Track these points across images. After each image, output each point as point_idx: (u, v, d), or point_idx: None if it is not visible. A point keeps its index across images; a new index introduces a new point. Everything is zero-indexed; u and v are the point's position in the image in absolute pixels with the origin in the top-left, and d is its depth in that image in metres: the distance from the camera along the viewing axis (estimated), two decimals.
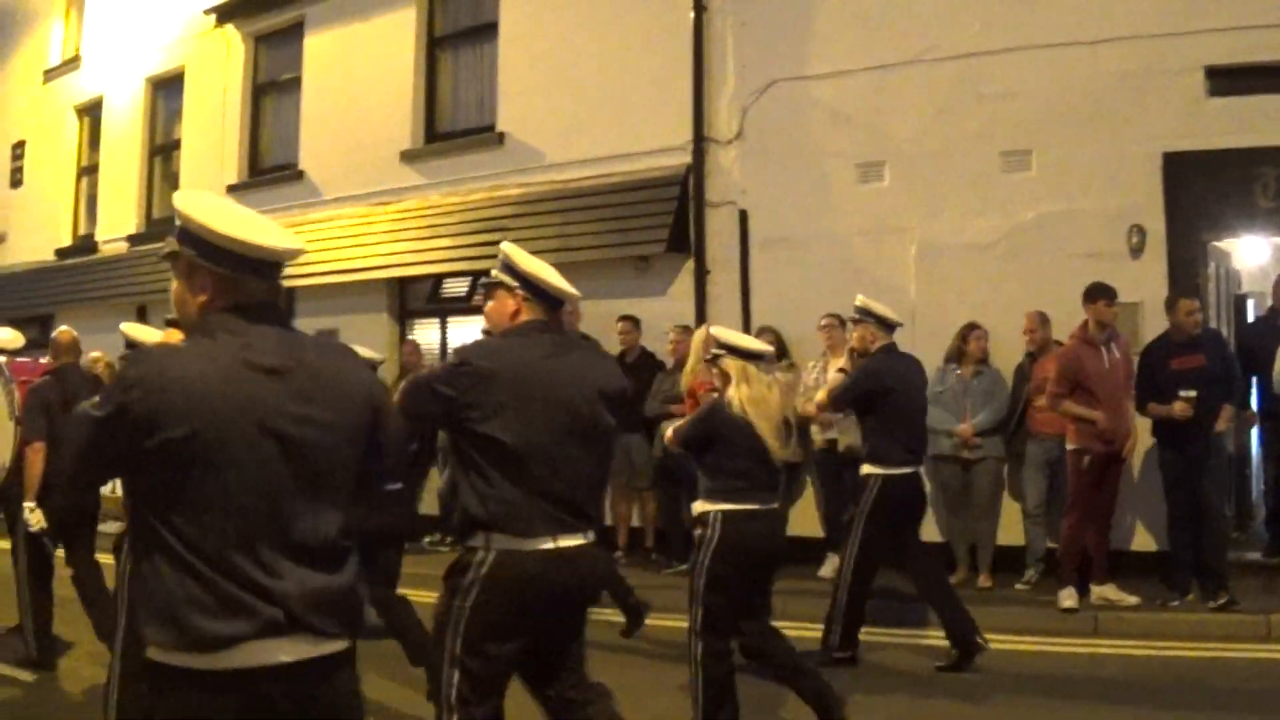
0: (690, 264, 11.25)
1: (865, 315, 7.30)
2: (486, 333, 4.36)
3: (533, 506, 3.89)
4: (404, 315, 14.01)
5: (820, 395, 7.70)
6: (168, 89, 18.00)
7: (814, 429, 9.71)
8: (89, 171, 19.82)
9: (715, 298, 11.00)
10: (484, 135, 13.11)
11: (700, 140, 11.22)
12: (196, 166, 16.89)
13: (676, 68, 11.42)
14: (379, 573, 6.37)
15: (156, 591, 2.51)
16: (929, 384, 9.05)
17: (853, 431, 9.35)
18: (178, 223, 2.66)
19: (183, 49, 17.36)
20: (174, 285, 2.73)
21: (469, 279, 13.27)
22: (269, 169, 16.02)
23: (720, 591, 5.53)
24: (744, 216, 10.94)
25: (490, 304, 4.20)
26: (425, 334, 13.73)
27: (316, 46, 15.18)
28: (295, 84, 15.51)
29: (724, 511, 5.56)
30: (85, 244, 19.39)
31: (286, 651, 2.52)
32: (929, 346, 9.49)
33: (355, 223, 14.03)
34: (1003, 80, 9.80)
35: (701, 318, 10.73)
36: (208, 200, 2.70)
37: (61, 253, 19.80)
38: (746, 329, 10.50)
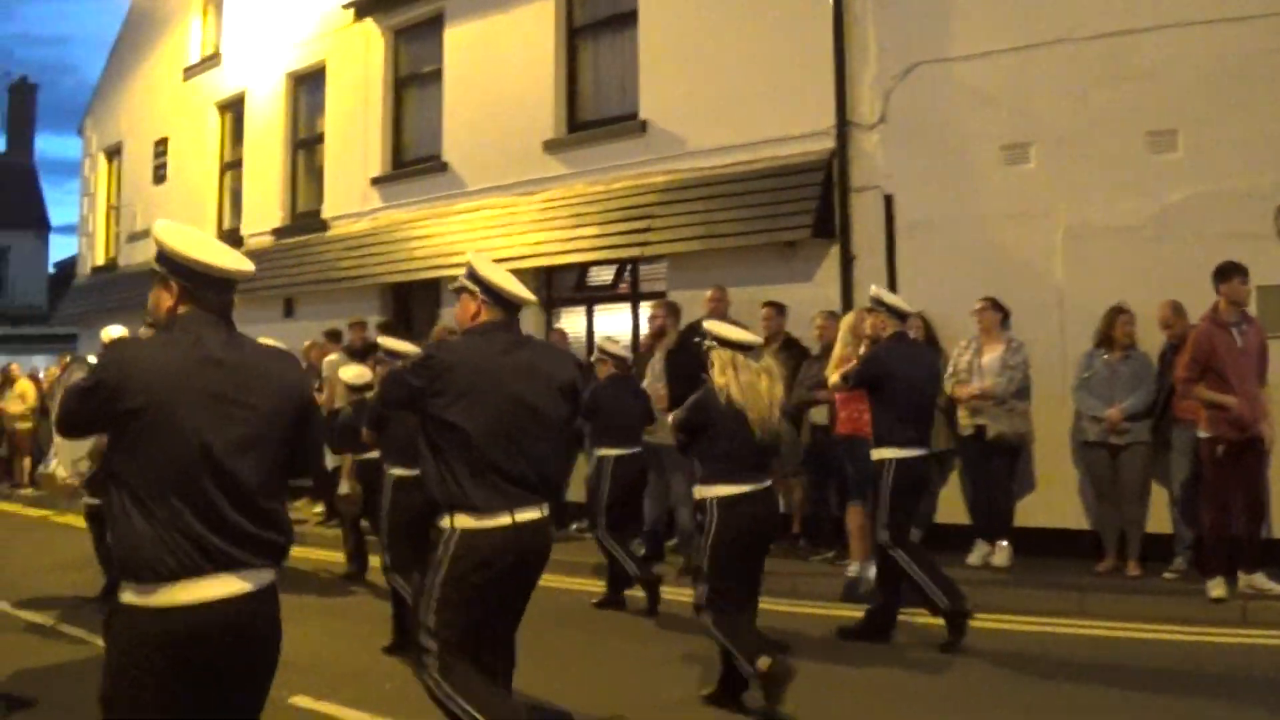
0: (836, 249, 11.78)
1: (878, 305, 8.10)
2: (451, 332, 5.21)
3: (490, 486, 4.74)
4: (550, 304, 14.85)
5: (834, 376, 8.46)
6: (309, 84, 19.27)
7: (962, 414, 10.29)
8: (232, 166, 21.27)
9: (861, 283, 11.45)
10: (626, 124, 13.89)
11: (843, 125, 11.76)
12: (340, 160, 18.10)
13: (818, 52, 11.96)
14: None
15: (119, 533, 3.42)
16: (1078, 369, 9.67)
17: (1003, 418, 9.97)
18: (155, 246, 3.66)
19: (322, 44, 18.59)
20: (151, 293, 3.69)
21: (615, 267, 14.13)
22: (413, 161, 17.09)
23: (723, 570, 6.41)
24: (889, 201, 11.46)
25: (456, 307, 5.13)
26: (572, 322, 14.59)
27: (456, 39, 16.19)
28: (436, 76, 16.55)
29: (719, 497, 6.42)
30: (230, 238, 20.57)
31: (216, 588, 3.39)
32: (1077, 330, 10.02)
33: (500, 213, 14.96)
34: (1148, 59, 10.13)
35: (848, 304, 11.27)
36: (179, 230, 3.68)
37: None
38: None
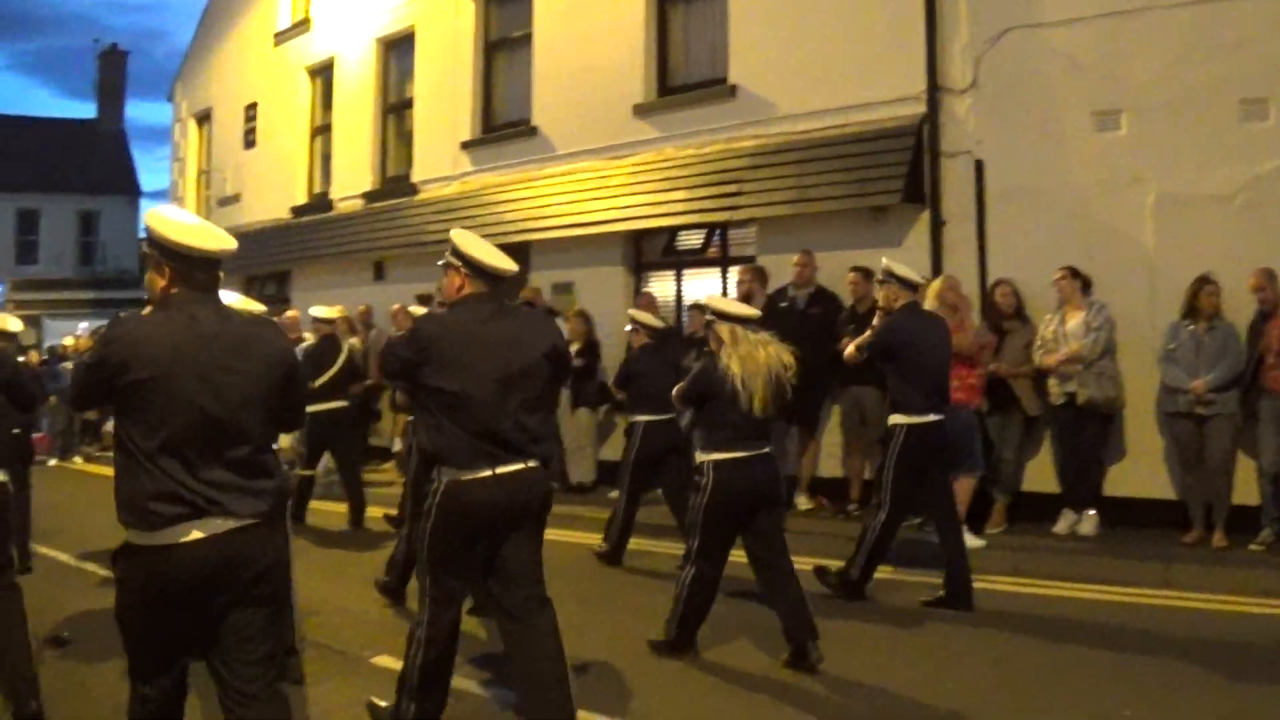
0: (926, 215, 12.06)
1: (889, 277, 8.56)
2: (442, 305, 5.83)
3: (473, 443, 5.30)
4: (639, 268, 15.37)
5: (850, 348, 8.84)
6: (399, 48, 19.89)
7: (1052, 382, 10.61)
8: (322, 131, 21.99)
9: (951, 249, 11.80)
10: (716, 88, 14.27)
11: (934, 89, 12.02)
12: (430, 124, 18.71)
13: (909, 16, 12.21)
14: None
15: (123, 486, 4.03)
16: (1164, 340, 9.94)
17: (1092, 383, 10.25)
18: (147, 232, 4.19)
19: (412, 9, 19.20)
20: (146, 275, 4.25)
21: (704, 231, 14.54)
22: (502, 125, 17.63)
23: (713, 527, 7.04)
24: (979, 167, 11.70)
25: (443, 280, 5.64)
26: (661, 286, 15.08)
27: (546, 2, 16.70)
28: (526, 40, 17.08)
29: (715, 461, 6.98)
30: (320, 202, 21.44)
31: (205, 529, 3.99)
32: (1167, 300, 10.25)
33: (589, 177, 15.43)
34: (1240, 27, 10.26)
35: (937, 269, 11.58)
36: (168, 217, 4.24)
37: (297, 210, 22.05)
38: (983, 281, 11.45)
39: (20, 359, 8.39)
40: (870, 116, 12.45)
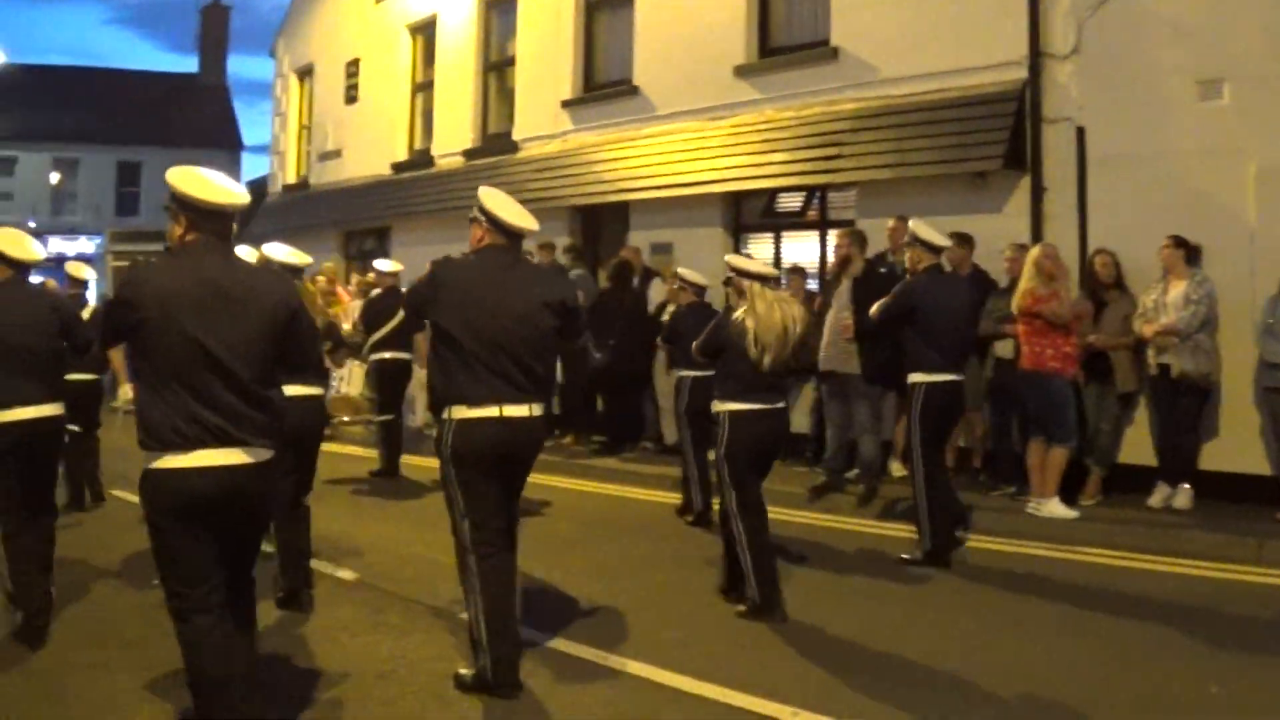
0: (1026, 181, 12.30)
1: (914, 240, 9.33)
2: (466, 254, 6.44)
3: (481, 383, 5.93)
4: (738, 230, 15.77)
5: (873, 308, 9.50)
6: (501, 7, 20.51)
7: (1149, 353, 10.83)
8: (423, 88, 22.69)
9: (1052, 216, 12.03)
10: (818, 50, 14.62)
11: (1036, 55, 12.22)
12: (531, 83, 19.30)
13: None
14: None
15: (142, 415, 4.72)
16: (1262, 314, 10.13)
17: (1187, 356, 10.47)
18: (168, 186, 4.88)
19: None
20: (168, 225, 4.97)
21: (804, 194, 14.93)
22: (604, 85, 18.17)
23: (739, 478, 7.61)
24: (1081, 134, 11.89)
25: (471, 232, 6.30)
26: (760, 249, 15.46)
27: None
28: (628, 0, 17.38)
29: (730, 411, 7.62)
30: (421, 158, 22.11)
31: (216, 458, 4.67)
32: (1268, 272, 10.41)
33: (689, 137, 15.87)
34: None
35: (1037, 236, 11.85)
36: (186, 172, 4.94)
37: (397, 167, 22.77)
38: (1083, 250, 11.69)
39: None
40: (972, 81, 12.71)
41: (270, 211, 28.03)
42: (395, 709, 5.90)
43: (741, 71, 15.47)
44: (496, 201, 6.20)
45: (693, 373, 10.41)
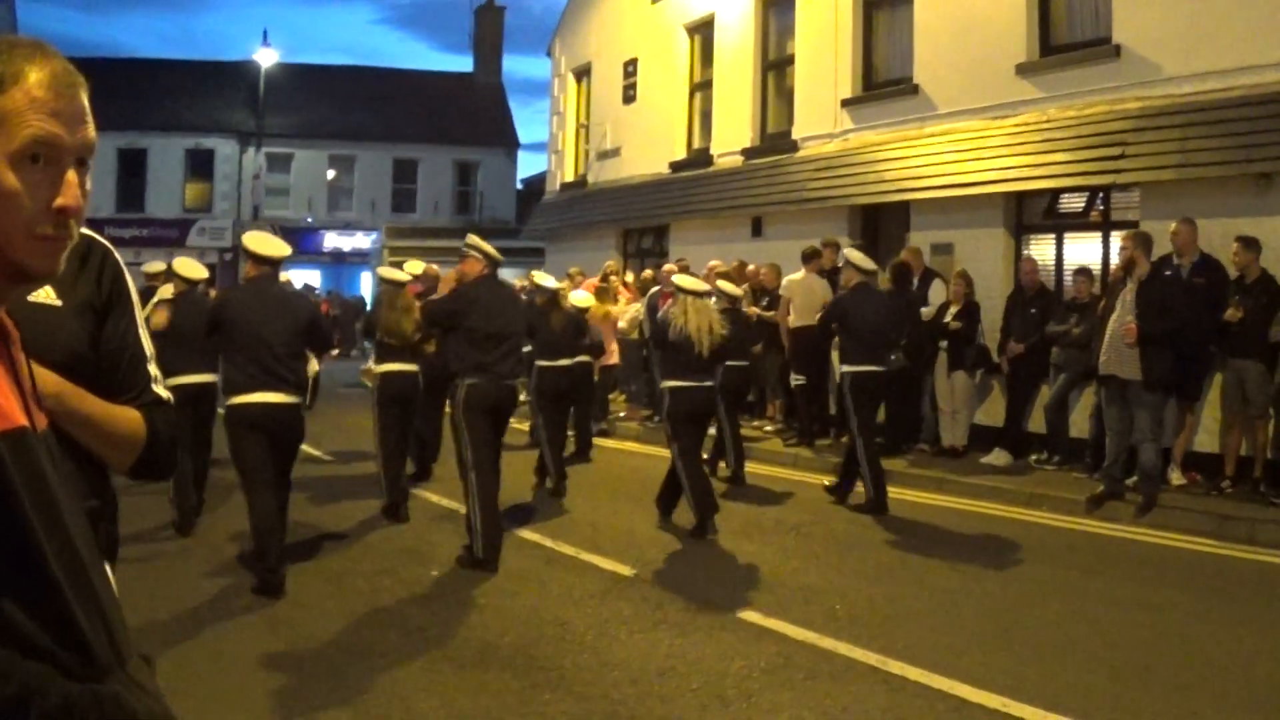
0: None
1: (847, 263, 13.06)
2: (461, 278, 10.60)
3: (482, 363, 9.79)
4: (1020, 230, 16.56)
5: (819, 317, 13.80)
6: (779, 6, 21.82)
7: None
8: (701, 88, 24.17)
9: None
10: (1100, 47, 15.28)
11: None
12: (811, 82, 20.52)
13: None
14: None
15: (225, 375, 9.34)
16: None
17: None
18: (240, 242, 10.85)
19: None
20: (243, 264, 10.00)
21: (1086, 195, 15.62)
22: (883, 83, 19.24)
23: (678, 433, 11.43)
24: None
25: (464, 264, 10.25)
26: (1041, 250, 16.24)
27: None
28: None
29: (670, 387, 11.53)
30: (699, 157, 23.47)
31: (267, 397, 8.88)
32: None
33: (970, 136, 16.76)
34: None
35: None
36: (254, 235, 9.63)
37: (675, 165, 24.27)
38: None
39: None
40: (1257, 80, 13.13)
41: (547, 209, 29.84)
42: (674, 707, 6.44)
43: (1023, 70, 16.18)
44: (484, 243, 10.27)
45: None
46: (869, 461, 12.40)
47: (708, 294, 11.86)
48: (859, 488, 12.60)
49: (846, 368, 12.63)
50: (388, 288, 12.58)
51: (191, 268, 11.73)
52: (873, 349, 12.58)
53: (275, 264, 9.34)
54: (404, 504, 11.85)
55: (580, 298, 16.15)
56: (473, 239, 10.24)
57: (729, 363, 13.10)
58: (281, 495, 9.18)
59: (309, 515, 11.63)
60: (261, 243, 9.30)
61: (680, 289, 11.62)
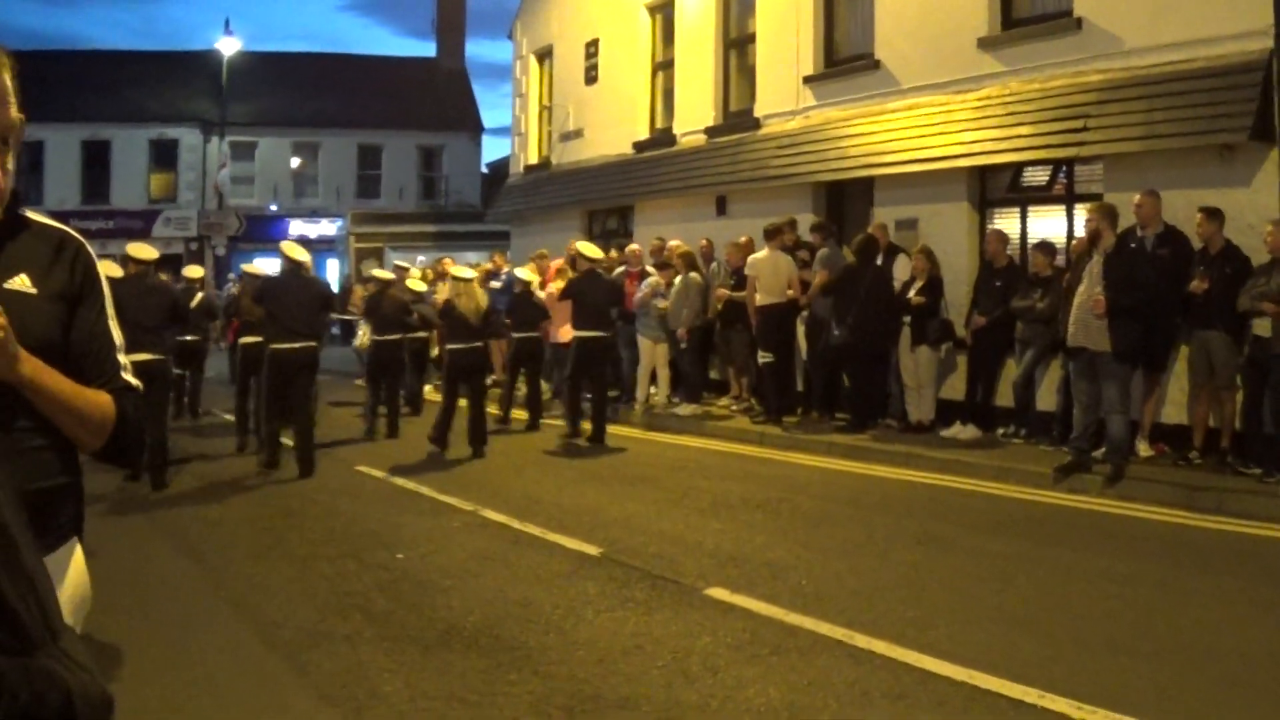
0: (1275, 154, 12.64)
1: (576, 254, 16.74)
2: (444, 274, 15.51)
3: (459, 335, 15.54)
4: (984, 204, 16.52)
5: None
6: None
7: None
8: (663, 67, 24.06)
9: None
10: (1062, 20, 15.22)
11: None
12: (772, 59, 20.43)
13: None
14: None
15: (266, 334, 14.22)
16: None
17: None
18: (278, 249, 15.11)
19: None
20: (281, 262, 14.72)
21: (1050, 168, 15.58)
22: (845, 59, 19.16)
23: (452, 382, 15.84)
24: None
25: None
26: (1006, 224, 16.18)
27: None
28: None
29: (450, 349, 15.91)
30: (662, 137, 23.38)
31: (294, 344, 13.47)
32: None
33: (932, 111, 16.71)
34: None
35: None
36: (286, 243, 14.57)
37: (639, 145, 24.16)
38: None
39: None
40: (1218, 51, 13.07)
41: (512, 192, 29.73)
42: (640, 684, 6.41)
43: (985, 44, 16.12)
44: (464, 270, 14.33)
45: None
46: (573, 405, 16.35)
47: (472, 279, 16.28)
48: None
49: (573, 333, 16.32)
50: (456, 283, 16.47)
51: (143, 250, 13.49)
52: (592, 319, 16.05)
53: (297, 265, 14.12)
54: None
55: (521, 274, 19.24)
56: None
57: (518, 334, 17.95)
58: (301, 418, 13.79)
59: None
60: (294, 250, 14.34)
61: (454, 277, 16.58)
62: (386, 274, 19.53)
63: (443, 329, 16.95)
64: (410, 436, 16.65)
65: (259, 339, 14.92)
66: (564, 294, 16.55)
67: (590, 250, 16.97)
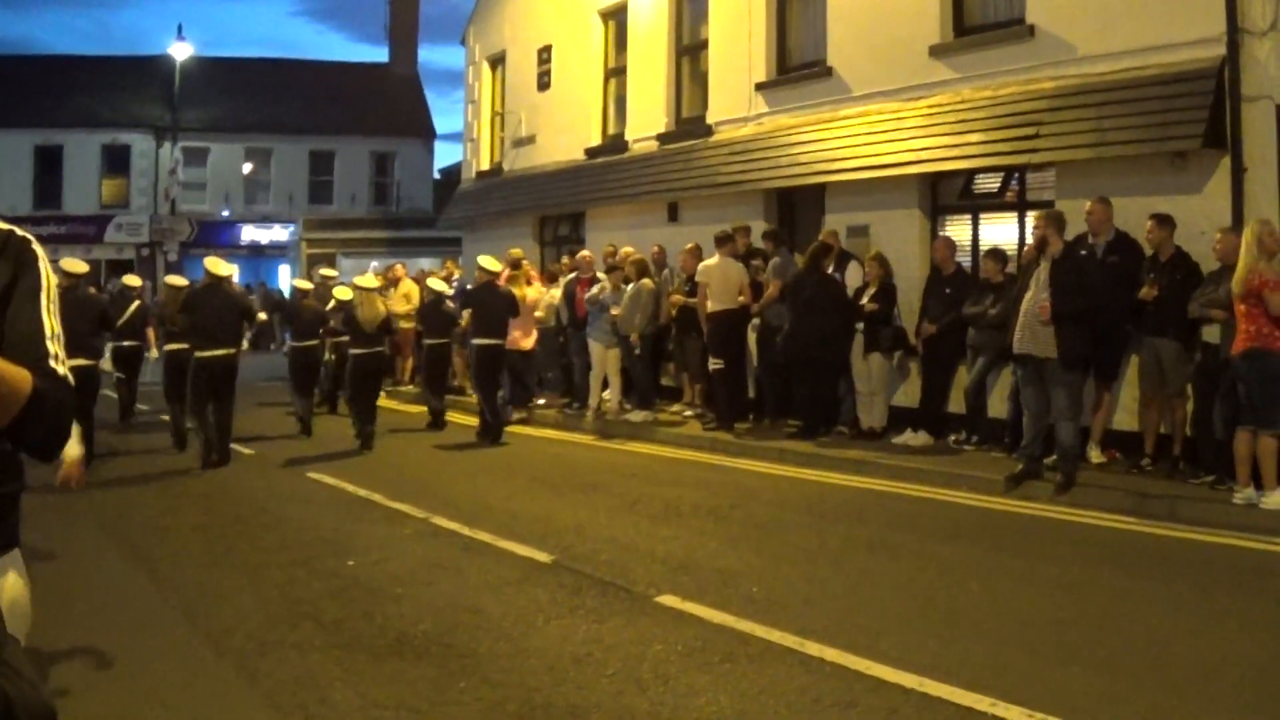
0: (1227, 161, 12.61)
1: (479, 268, 17.87)
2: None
3: (358, 344, 17.01)
4: (936, 211, 16.47)
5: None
6: None
7: None
8: (616, 73, 24.00)
9: (1252, 196, 12.33)
10: (1014, 28, 15.20)
11: (1234, 31, 12.54)
12: (725, 66, 20.37)
13: None
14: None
15: (189, 339, 15.19)
16: None
17: None
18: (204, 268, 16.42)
19: None
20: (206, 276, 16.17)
21: (1001, 175, 15.56)
22: (797, 66, 19.10)
23: (356, 383, 17.29)
24: None
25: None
26: (957, 230, 16.13)
27: None
28: None
29: (353, 353, 17.30)
30: (614, 143, 23.36)
31: (213, 350, 14.83)
32: None
33: (884, 118, 16.66)
34: None
35: (1238, 216, 12.17)
36: (211, 260, 16.04)
37: (591, 152, 24.09)
38: None
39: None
40: (1170, 59, 13.04)
41: (464, 198, 29.64)
42: (590, 693, 6.36)
43: (936, 51, 16.09)
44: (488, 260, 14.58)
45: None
46: (493, 415, 17.33)
47: (378, 289, 18.40)
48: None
49: (475, 340, 17.55)
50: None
51: (73, 264, 15.17)
52: (492, 329, 17.31)
53: (221, 280, 15.61)
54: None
55: (433, 284, 20.05)
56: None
57: (429, 341, 19.26)
58: (221, 412, 15.08)
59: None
60: (216, 264, 15.68)
61: (359, 287, 17.57)
62: (305, 284, 21.90)
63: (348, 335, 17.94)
64: (339, 436, 17.57)
65: (184, 345, 15.87)
66: (462, 304, 18.77)
67: (489, 263, 18.04)
